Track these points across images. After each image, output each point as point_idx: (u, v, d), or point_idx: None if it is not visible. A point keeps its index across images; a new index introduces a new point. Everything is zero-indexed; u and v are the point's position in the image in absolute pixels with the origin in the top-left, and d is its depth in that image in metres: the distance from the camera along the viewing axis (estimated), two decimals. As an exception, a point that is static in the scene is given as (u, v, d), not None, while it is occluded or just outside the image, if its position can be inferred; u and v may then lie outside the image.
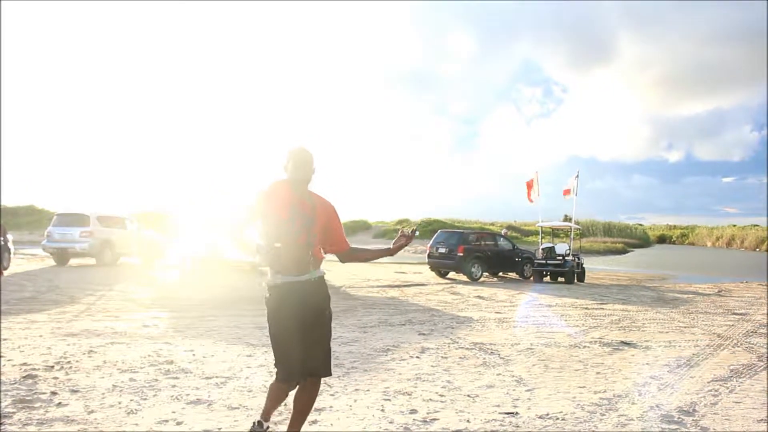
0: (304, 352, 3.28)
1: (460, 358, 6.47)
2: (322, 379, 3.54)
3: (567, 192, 21.19)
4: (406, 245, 3.56)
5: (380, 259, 3.59)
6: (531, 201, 21.51)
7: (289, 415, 3.56)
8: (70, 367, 5.48)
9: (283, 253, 3.26)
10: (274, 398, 3.44)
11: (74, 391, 4.70)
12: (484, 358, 6.45)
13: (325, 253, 3.48)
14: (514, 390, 5.12)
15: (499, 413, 4.46)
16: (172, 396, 4.66)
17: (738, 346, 7.49)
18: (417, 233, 3.57)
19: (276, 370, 3.35)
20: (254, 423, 3.47)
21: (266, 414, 3.48)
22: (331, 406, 4.52)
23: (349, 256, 3.56)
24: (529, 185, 21.39)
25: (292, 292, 3.26)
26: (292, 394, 3.49)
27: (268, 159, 3.55)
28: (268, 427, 3.46)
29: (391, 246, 3.54)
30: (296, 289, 3.27)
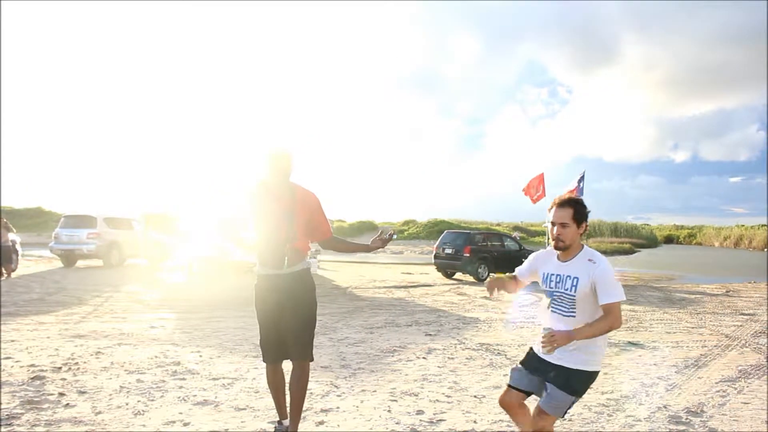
0: (280, 338, 3.55)
1: (467, 358, 6.46)
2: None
3: (572, 192, 21.00)
4: (381, 247, 3.76)
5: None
6: (534, 201, 21.31)
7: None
8: (78, 369, 5.50)
9: (263, 248, 3.51)
10: (273, 387, 3.72)
11: (82, 392, 4.72)
12: (491, 359, 6.44)
13: (311, 241, 3.71)
14: (520, 391, 5.09)
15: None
16: (179, 397, 4.67)
17: (746, 347, 7.44)
18: (395, 237, 3.78)
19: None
20: (276, 425, 3.75)
21: (281, 411, 3.73)
22: (338, 407, 4.51)
23: (331, 244, 3.79)
24: (530, 185, 21.00)
25: (271, 284, 3.52)
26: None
27: (258, 155, 3.73)
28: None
29: (369, 243, 3.76)
30: (275, 281, 3.51)
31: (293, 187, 3.55)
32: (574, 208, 2.92)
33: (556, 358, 2.92)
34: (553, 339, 2.78)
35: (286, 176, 3.52)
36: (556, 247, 2.98)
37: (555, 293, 2.97)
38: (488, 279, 3.08)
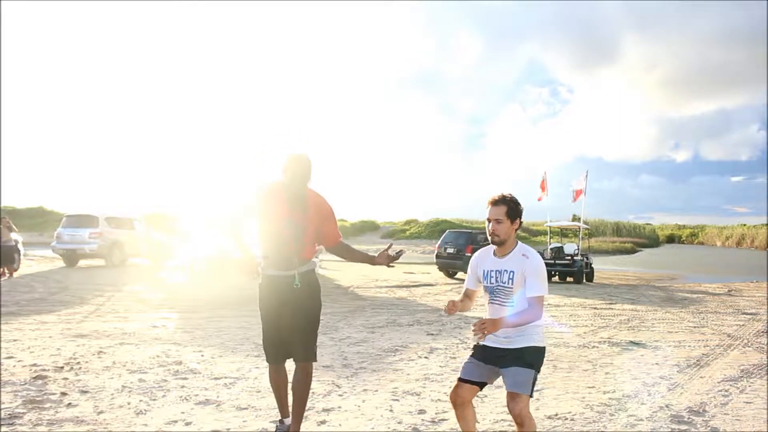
0: (283, 338, 3.53)
1: (469, 358, 6.45)
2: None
3: (578, 194, 21.21)
4: (385, 264, 3.73)
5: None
6: (539, 199, 21.59)
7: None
8: (80, 368, 5.50)
9: (272, 252, 3.49)
10: (275, 385, 3.70)
11: (84, 392, 4.72)
12: (493, 359, 6.43)
13: (317, 245, 3.71)
14: (522, 390, 5.09)
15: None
16: (181, 396, 4.67)
17: (748, 346, 7.43)
18: (400, 256, 3.76)
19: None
20: (277, 423, 3.74)
21: (283, 410, 3.72)
22: (339, 407, 4.51)
23: (337, 250, 3.77)
24: (542, 187, 21.44)
25: (276, 284, 3.50)
26: None
27: (273, 159, 3.73)
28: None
29: (376, 256, 3.73)
30: (281, 281, 3.49)
31: (309, 193, 3.54)
32: (508, 205, 3.17)
33: (506, 343, 3.14)
34: (483, 326, 2.96)
35: (305, 182, 3.49)
36: (493, 242, 3.22)
37: (496, 288, 3.21)
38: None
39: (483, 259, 3.31)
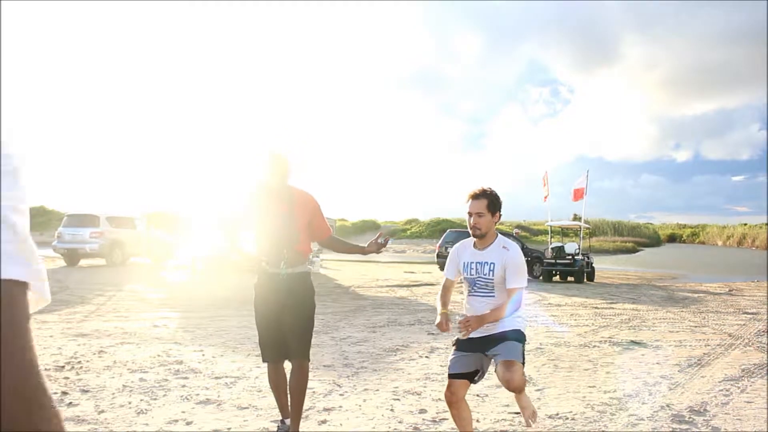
0: (279, 336, 3.57)
1: (469, 357, 6.45)
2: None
3: (579, 194, 21.20)
4: (375, 252, 3.80)
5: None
6: (545, 199, 21.69)
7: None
8: (81, 367, 5.51)
9: (266, 249, 3.53)
10: (273, 385, 3.74)
11: (84, 391, 4.72)
12: (494, 358, 6.43)
13: (311, 241, 3.77)
14: (523, 390, 5.08)
15: (509, 413, 4.45)
16: (181, 396, 4.68)
17: (749, 346, 7.42)
18: (390, 241, 3.86)
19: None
20: (279, 424, 3.78)
21: (283, 410, 3.75)
22: (340, 406, 4.51)
23: (328, 243, 3.84)
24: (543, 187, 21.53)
25: (271, 282, 3.55)
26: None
27: (258, 157, 3.80)
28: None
29: (366, 246, 3.80)
30: (276, 280, 3.53)
31: (292, 189, 3.58)
32: (489, 198, 3.21)
33: (488, 330, 3.20)
34: (468, 324, 3.05)
35: (284, 178, 3.53)
36: (474, 235, 3.24)
37: (477, 279, 3.24)
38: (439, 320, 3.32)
39: (463, 251, 3.33)
